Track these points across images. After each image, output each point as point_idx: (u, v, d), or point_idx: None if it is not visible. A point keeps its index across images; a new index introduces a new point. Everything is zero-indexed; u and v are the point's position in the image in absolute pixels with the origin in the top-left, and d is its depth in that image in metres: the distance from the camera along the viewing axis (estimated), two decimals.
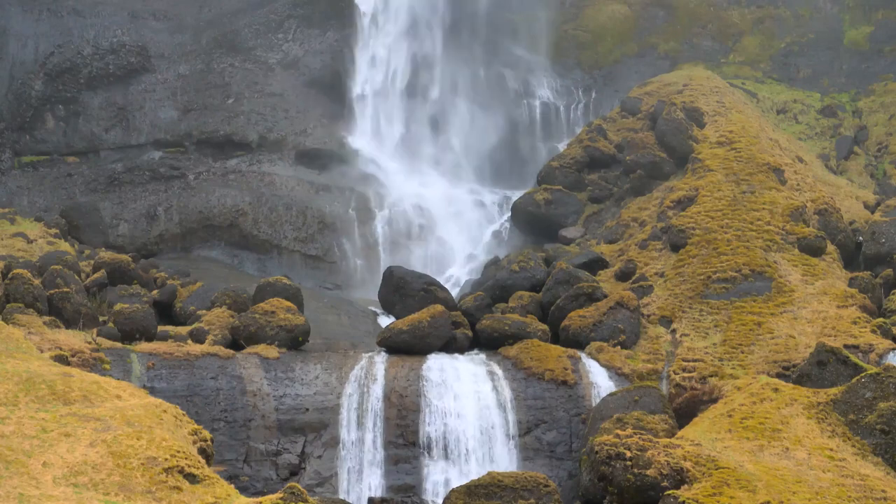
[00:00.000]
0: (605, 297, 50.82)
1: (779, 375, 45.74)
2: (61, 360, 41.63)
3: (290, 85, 71.44)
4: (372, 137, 72.06)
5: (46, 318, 45.88)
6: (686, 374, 47.16)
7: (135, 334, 46.51)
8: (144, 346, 45.69)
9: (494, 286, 53.94)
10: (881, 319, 49.38)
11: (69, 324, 46.75)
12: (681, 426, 43.47)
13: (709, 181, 58.20)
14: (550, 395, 46.20)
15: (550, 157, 68.47)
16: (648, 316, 51.14)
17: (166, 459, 32.15)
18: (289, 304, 48.88)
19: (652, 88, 68.90)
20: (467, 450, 44.81)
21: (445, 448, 44.84)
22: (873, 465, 38.69)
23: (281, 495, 31.95)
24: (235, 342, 47.95)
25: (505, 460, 44.83)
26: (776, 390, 42.08)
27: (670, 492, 36.23)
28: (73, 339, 44.59)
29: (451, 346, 49.03)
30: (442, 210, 68.88)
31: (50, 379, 35.76)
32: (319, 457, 44.77)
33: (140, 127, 69.38)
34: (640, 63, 77.56)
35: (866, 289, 51.46)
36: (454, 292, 56.97)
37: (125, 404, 35.48)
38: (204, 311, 49.75)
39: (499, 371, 46.96)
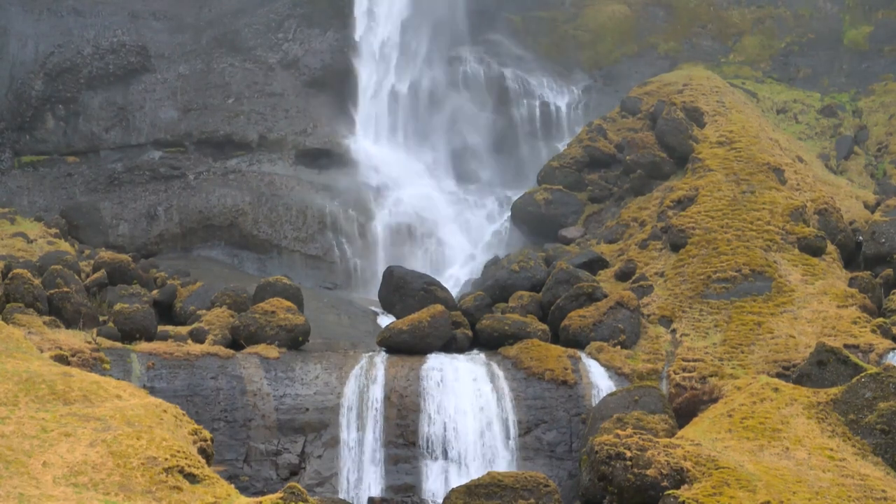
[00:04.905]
0: (605, 296, 50.82)
1: (779, 375, 45.74)
2: (61, 359, 41.62)
3: (290, 85, 71.46)
4: (372, 137, 72.07)
5: (46, 318, 45.87)
6: (686, 374, 47.17)
7: (135, 334, 46.51)
8: (144, 345, 45.68)
9: (494, 286, 53.94)
10: (881, 319, 49.38)
11: (69, 324, 46.75)
12: (681, 426, 43.47)
13: (709, 181, 58.20)
14: (550, 395, 46.20)
15: (550, 157, 68.45)
16: (648, 316, 51.14)
17: (166, 459, 32.14)
18: (289, 303, 48.88)
19: (652, 88, 68.88)
20: (467, 450, 44.81)
21: (445, 448, 44.85)
22: (873, 465, 38.70)
23: (281, 495, 31.94)
24: (235, 342, 47.95)
25: (505, 460, 44.83)
26: (776, 390, 42.08)
27: (670, 492, 36.23)
28: (73, 338, 44.59)
29: (451, 346, 49.04)
30: (442, 210, 68.88)
31: (50, 379, 35.75)
32: (319, 457, 44.78)
33: (140, 127, 69.39)
34: (640, 63, 77.55)
35: (866, 289, 51.46)
36: (454, 292, 56.96)
37: (125, 404, 35.48)
38: (204, 311, 49.76)
39: (499, 371, 46.96)
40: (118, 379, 39.92)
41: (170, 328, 48.46)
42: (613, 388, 46.12)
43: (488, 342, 49.44)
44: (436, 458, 44.73)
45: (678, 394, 46.69)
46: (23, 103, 68.33)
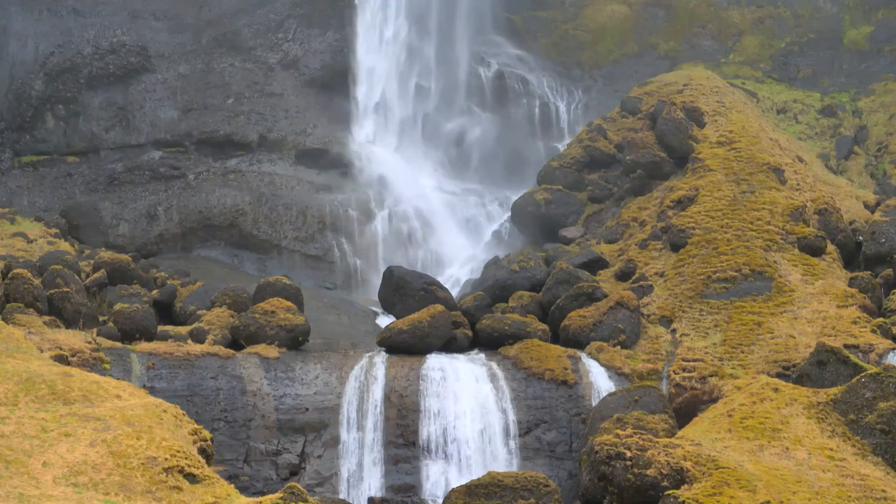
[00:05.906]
0: (605, 296, 50.82)
1: (779, 375, 45.75)
2: (61, 359, 41.62)
3: (290, 85, 71.46)
4: (372, 137, 72.09)
5: (46, 318, 45.87)
6: (686, 374, 47.16)
7: (135, 334, 46.51)
8: (144, 345, 45.69)
9: (494, 286, 53.94)
10: (881, 319, 49.39)
11: (69, 324, 46.75)
12: (681, 426, 43.47)
13: (709, 181, 58.21)
14: (550, 395, 46.20)
15: (550, 157, 68.47)
16: (648, 316, 51.13)
17: (166, 459, 32.15)
18: (289, 303, 48.89)
19: (652, 88, 68.89)
20: (467, 450, 44.81)
21: (445, 448, 44.84)
22: (873, 465, 38.70)
23: (281, 495, 31.94)
24: (235, 342, 47.96)
25: (505, 460, 44.82)
26: (776, 390, 42.08)
27: (670, 492, 36.23)
28: (73, 338, 44.58)
29: (451, 346, 49.03)
30: (442, 210, 68.89)
31: (50, 379, 35.76)
32: (319, 457, 44.77)
33: (140, 127, 69.39)
34: (640, 63, 77.55)
35: (866, 289, 51.46)
36: (454, 292, 56.97)
37: (125, 404, 35.48)
38: (204, 311, 49.76)
39: (499, 371, 46.95)
40: (118, 379, 39.93)
41: (170, 328, 48.46)
42: (613, 388, 46.11)
43: (488, 342, 49.43)
44: (436, 459, 44.73)
45: (678, 394, 46.69)
46: (23, 103, 68.31)
